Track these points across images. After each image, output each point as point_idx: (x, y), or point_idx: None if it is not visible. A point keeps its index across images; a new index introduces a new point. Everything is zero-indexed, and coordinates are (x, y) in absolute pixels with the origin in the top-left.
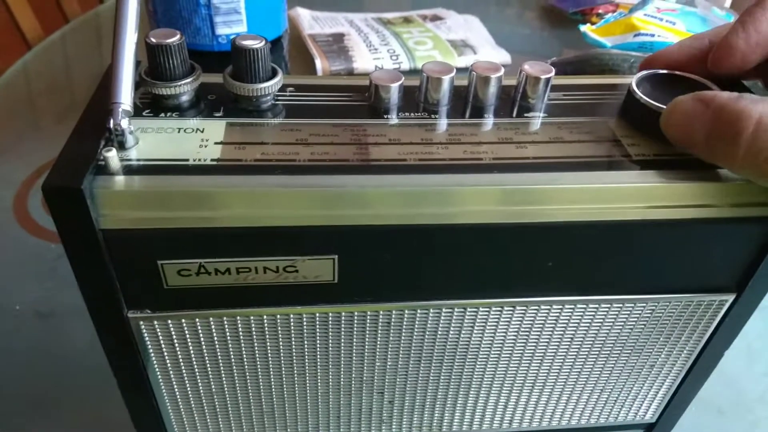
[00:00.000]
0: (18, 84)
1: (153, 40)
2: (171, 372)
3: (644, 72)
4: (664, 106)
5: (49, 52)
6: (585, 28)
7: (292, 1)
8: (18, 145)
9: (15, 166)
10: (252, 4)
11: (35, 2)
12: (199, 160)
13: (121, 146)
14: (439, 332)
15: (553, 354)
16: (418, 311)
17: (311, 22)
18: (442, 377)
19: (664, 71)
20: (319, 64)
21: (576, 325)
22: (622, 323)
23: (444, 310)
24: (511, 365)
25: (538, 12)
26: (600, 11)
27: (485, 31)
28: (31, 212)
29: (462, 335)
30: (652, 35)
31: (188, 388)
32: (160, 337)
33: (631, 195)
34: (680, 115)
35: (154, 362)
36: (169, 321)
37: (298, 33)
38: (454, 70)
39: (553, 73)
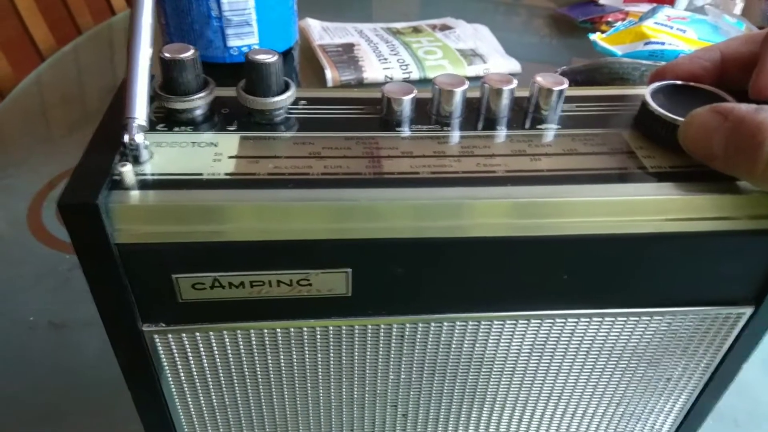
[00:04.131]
0: (32, 95)
1: (167, 55)
2: (185, 385)
3: (658, 83)
4: (679, 118)
5: (62, 64)
6: (595, 36)
7: (303, 12)
8: (31, 156)
9: (29, 177)
10: (263, 16)
11: (48, 14)
12: (213, 174)
13: (136, 161)
14: (453, 345)
15: (568, 368)
16: (432, 324)
17: (321, 32)
18: (456, 390)
19: (679, 82)
20: (329, 74)
21: (592, 338)
22: (639, 336)
23: (458, 323)
24: (526, 379)
25: (548, 20)
26: (609, 19)
27: (495, 40)
28: (45, 223)
29: (476, 349)
30: (663, 43)
31: (202, 401)
32: (175, 351)
33: (647, 208)
34: (698, 128)
35: (168, 375)
36: (184, 334)
37: (308, 44)
38: (467, 83)
39: (566, 85)
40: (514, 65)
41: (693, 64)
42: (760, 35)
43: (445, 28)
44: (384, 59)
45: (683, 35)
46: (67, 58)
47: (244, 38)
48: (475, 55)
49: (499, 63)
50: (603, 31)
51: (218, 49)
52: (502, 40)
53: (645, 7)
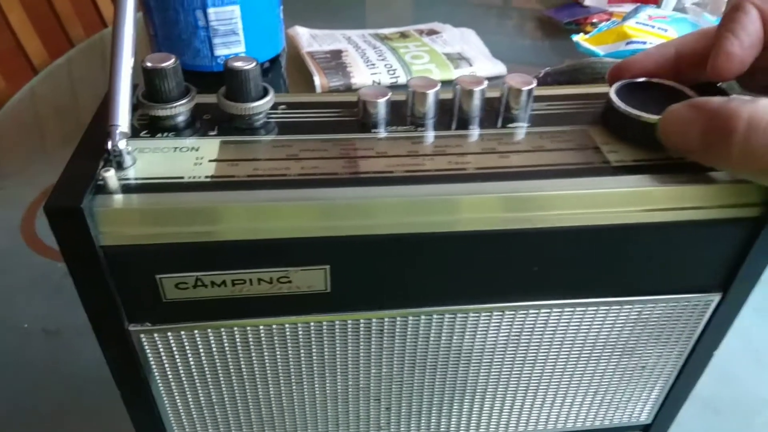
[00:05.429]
0: (25, 108)
1: (149, 64)
2: (172, 383)
3: (622, 81)
4: (642, 114)
5: (54, 76)
6: (578, 37)
7: (291, 20)
8: (26, 167)
9: (23, 188)
10: (250, 25)
11: (41, 28)
12: (194, 177)
13: (119, 166)
14: (432, 338)
15: (545, 357)
16: (410, 318)
17: (310, 40)
18: (437, 383)
19: (642, 79)
20: (317, 80)
21: (565, 327)
22: (611, 325)
23: (435, 316)
24: (505, 369)
25: (534, 23)
26: (594, 20)
27: (481, 44)
28: (39, 233)
29: (454, 341)
30: (644, 42)
31: (190, 399)
32: (161, 349)
33: (611, 200)
34: (677, 123)
35: (156, 374)
36: (169, 333)
37: (297, 51)
38: (439, 85)
39: (534, 85)
40: (500, 68)
41: (648, 61)
42: (713, 30)
43: (432, 32)
44: (372, 65)
45: (664, 34)
46: (60, 70)
47: (231, 47)
48: (461, 58)
49: (485, 66)
50: (587, 32)
51: (206, 58)
52: (489, 43)
53: (629, 8)
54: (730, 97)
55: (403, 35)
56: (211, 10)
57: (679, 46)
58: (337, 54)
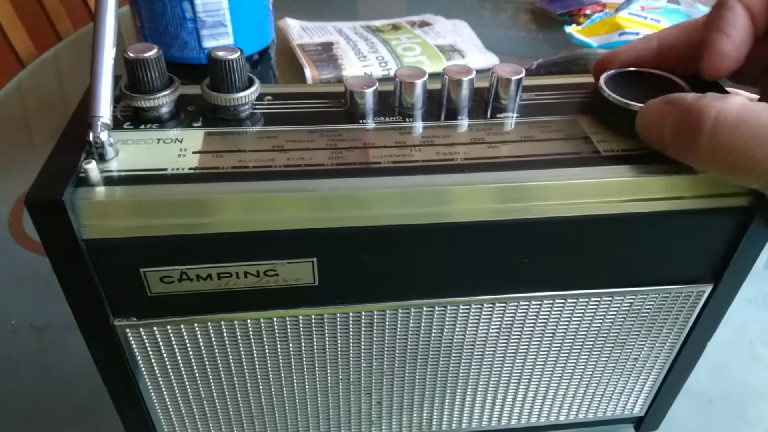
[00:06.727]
0: (12, 102)
1: (131, 54)
2: (159, 378)
3: (612, 70)
4: (631, 102)
5: (42, 70)
6: (570, 28)
7: (282, 12)
8: (13, 162)
9: (10, 183)
10: (238, 16)
11: (28, 22)
12: (177, 169)
13: (101, 158)
14: (422, 331)
15: (536, 349)
16: (400, 311)
17: (300, 32)
18: (429, 376)
19: (631, 69)
20: (308, 73)
21: (557, 319)
22: (603, 317)
23: (425, 309)
24: (496, 362)
25: (527, 15)
26: (587, 12)
27: (474, 35)
28: (26, 228)
29: (445, 333)
30: (637, 33)
31: (177, 394)
32: (147, 344)
33: (601, 190)
34: (652, 118)
35: (143, 369)
36: (155, 328)
37: (287, 43)
38: (426, 74)
39: (523, 74)
40: (492, 60)
41: (629, 54)
42: (694, 23)
43: (424, 24)
44: (363, 57)
45: (657, 25)
46: (48, 64)
47: (219, 39)
48: (453, 50)
49: (477, 58)
50: (580, 24)
51: (194, 50)
52: (482, 35)
53: None
54: (703, 94)
55: (395, 27)
56: (198, 1)
57: (661, 39)
58: (328, 46)
